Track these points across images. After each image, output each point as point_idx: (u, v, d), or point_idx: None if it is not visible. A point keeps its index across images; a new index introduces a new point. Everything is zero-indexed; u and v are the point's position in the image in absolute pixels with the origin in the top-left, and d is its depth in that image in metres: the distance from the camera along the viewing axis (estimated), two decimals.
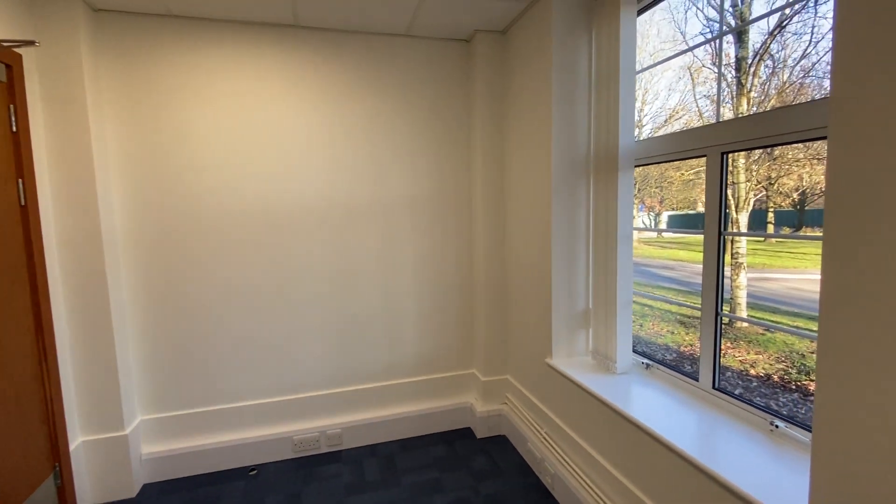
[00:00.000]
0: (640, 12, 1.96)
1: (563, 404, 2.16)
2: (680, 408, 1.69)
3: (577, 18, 2.09)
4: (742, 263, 5.81)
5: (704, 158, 1.67)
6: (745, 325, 5.72)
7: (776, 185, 6.32)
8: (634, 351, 2.09)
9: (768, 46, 5.61)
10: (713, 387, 1.70)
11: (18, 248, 1.83)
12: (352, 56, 2.48)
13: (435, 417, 2.78)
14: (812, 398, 1.05)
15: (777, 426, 1.44)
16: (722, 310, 1.68)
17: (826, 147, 0.98)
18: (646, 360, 2.05)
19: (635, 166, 1.98)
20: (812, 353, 5.19)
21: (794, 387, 4.40)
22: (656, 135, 2.13)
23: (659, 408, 1.70)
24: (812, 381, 4.46)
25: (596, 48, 2.07)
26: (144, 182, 2.27)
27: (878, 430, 0.90)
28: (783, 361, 5.03)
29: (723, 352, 5.37)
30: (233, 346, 2.46)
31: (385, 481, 2.32)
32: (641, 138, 1.95)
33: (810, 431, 1.29)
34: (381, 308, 2.68)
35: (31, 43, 1.62)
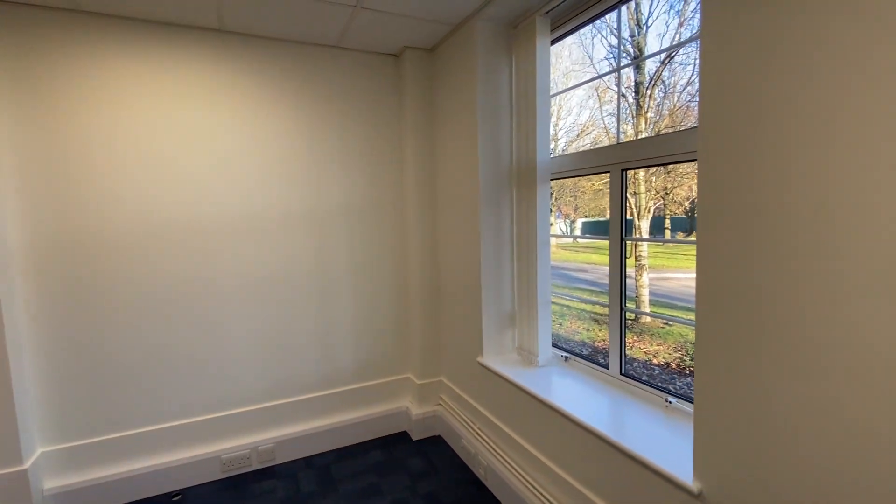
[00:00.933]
0: (553, 42, 2.20)
1: (494, 399, 2.31)
2: (593, 393, 1.91)
3: (498, 44, 2.28)
4: (644, 265, 6.50)
5: (608, 174, 1.92)
6: (649, 319, 6.41)
7: (671, 195, 7.16)
8: (554, 346, 2.31)
9: (660, 74, 6.35)
10: (620, 373, 1.94)
11: None
12: (282, 64, 2.47)
13: (371, 424, 2.81)
14: None
15: (670, 402, 1.70)
16: (626, 305, 1.93)
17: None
18: (565, 353, 2.27)
19: (551, 179, 2.20)
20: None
21: (688, 371, 5.02)
22: (568, 151, 2.37)
23: (575, 394, 1.91)
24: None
25: (515, 72, 2.28)
26: (45, 188, 2.06)
27: (742, 400, 1.14)
28: (679, 350, 5.71)
29: (630, 344, 5.96)
30: (148, 364, 2.30)
31: (322, 492, 2.31)
32: (557, 153, 2.18)
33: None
34: (316, 317, 2.66)
35: None
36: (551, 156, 2.17)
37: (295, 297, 2.60)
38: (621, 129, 2.07)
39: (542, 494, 1.89)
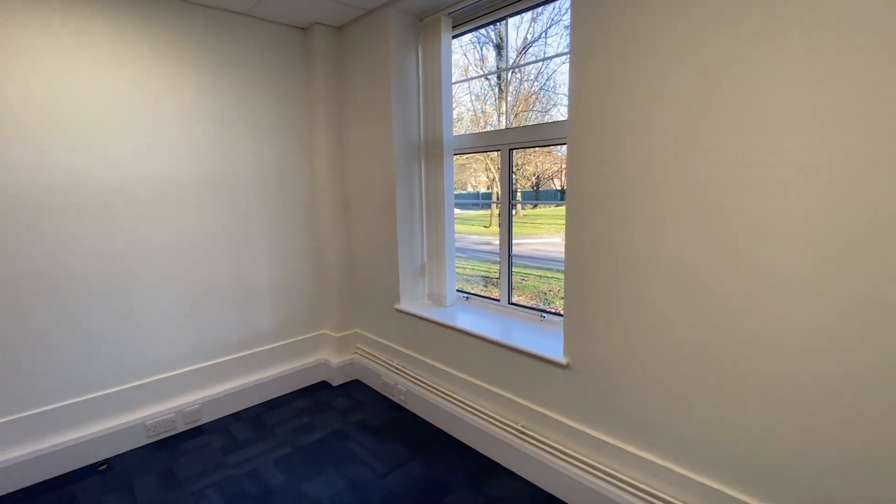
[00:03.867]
0: (454, 37, 2.64)
1: (410, 337, 2.79)
2: (489, 318, 2.52)
3: (407, 33, 2.64)
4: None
5: (499, 152, 2.48)
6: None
7: (521, 170, 8.34)
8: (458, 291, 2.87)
9: (518, 61, 7.30)
10: (509, 302, 2.59)
11: None
12: (190, 28, 2.42)
13: (293, 378, 3.05)
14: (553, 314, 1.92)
15: (543, 316, 2.39)
16: (513, 254, 2.56)
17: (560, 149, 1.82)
18: (466, 295, 2.85)
19: (454, 154, 2.69)
20: (549, 292, 7.32)
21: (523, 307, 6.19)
22: (462, 132, 2.88)
23: (476, 320, 2.50)
24: (550, 307, 6.43)
25: (422, 59, 2.67)
26: None
27: (592, 306, 1.81)
28: (534, 298, 6.95)
29: (496, 296, 6.99)
30: (63, 335, 2.19)
31: (258, 437, 2.53)
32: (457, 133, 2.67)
33: (560, 316, 2.26)
34: (234, 281, 2.76)
35: None
36: (454, 135, 2.65)
37: (214, 261, 2.66)
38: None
39: (455, 399, 2.46)
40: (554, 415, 2.02)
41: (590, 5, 1.66)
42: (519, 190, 8.38)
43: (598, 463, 1.87)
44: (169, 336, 2.53)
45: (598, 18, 1.64)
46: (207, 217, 2.61)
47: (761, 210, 1.35)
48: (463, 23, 2.56)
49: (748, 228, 1.38)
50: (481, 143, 2.57)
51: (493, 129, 2.64)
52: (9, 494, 2.09)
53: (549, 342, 2.14)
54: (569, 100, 1.78)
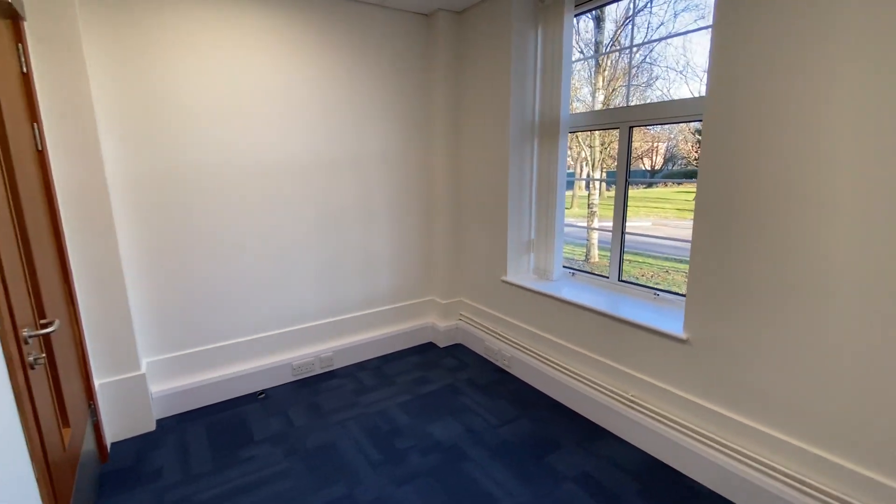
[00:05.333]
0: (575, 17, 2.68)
1: (516, 307, 2.96)
2: (598, 293, 2.61)
3: (527, 15, 2.72)
4: (595, 213, 7.42)
5: (618, 129, 2.51)
6: (597, 259, 7.41)
7: (607, 148, 7.98)
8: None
9: (618, 35, 6.97)
10: (619, 279, 2.65)
11: (41, 195, 1.82)
12: (331, 19, 2.72)
13: (405, 336, 3.38)
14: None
15: (657, 294, 2.43)
16: (625, 232, 2.60)
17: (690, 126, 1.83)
18: (572, 270, 2.95)
19: (568, 132, 2.77)
20: (640, 277, 7.10)
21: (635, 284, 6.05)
22: (580, 111, 2.92)
23: (584, 294, 2.60)
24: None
25: (542, 39, 2.74)
26: (138, 132, 2.27)
27: (714, 284, 1.84)
28: None
29: None
30: (230, 287, 2.66)
31: (382, 384, 2.89)
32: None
33: (677, 295, 2.29)
34: (359, 249, 3.11)
35: None
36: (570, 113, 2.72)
37: (346, 231, 3.02)
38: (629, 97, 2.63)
39: (560, 367, 2.61)
40: (667, 386, 2.10)
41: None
42: (605, 170, 8.10)
43: (715, 434, 1.92)
44: (311, 292, 2.95)
45: None
46: (341, 193, 2.96)
47: None
48: (584, 1, 2.58)
49: None
50: (600, 120, 2.61)
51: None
52: (194, 410, 2.62)
53: (663, 318, 2.20)
54: (709, 75, 1.79)
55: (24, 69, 1.75)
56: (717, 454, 1.90)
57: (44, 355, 1.38)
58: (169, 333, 2.53)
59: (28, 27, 1.83)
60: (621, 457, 2.17)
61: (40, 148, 1.82)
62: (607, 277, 2.71)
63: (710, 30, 1.78)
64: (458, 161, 3.27)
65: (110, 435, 2.29)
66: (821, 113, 1.49)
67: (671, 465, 2.08)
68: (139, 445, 2.29)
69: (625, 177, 2.53)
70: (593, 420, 2.45)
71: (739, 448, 1.83)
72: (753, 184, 1.69)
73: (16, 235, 1.38)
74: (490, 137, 2.96)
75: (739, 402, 1.84)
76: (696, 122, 2.09)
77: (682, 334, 2.01)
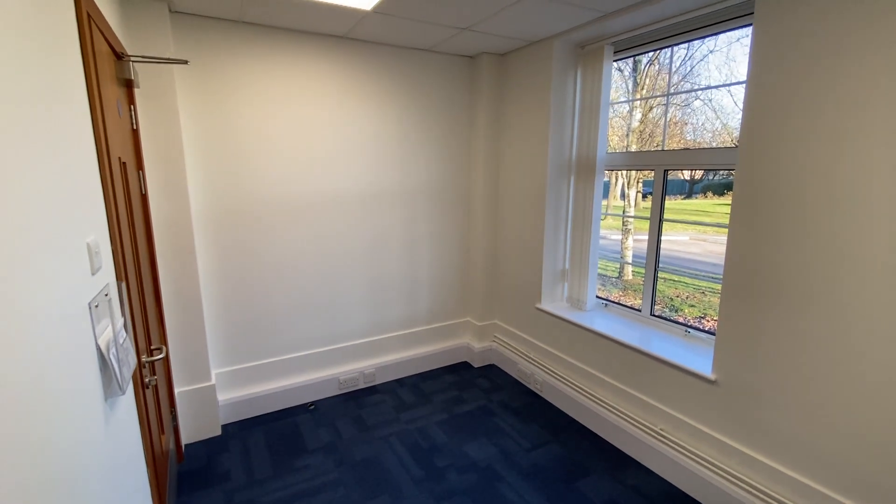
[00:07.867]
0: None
1: (549, 334, 3.11)
2: (630, 325, 2.73)
3: (568, 60, 2.89)
4: (630, 229, 7.42)
5: (653, 172, 2.64)
6: (631, 276, 7.41)
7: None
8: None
9: (657, 56, 6.95)
10: (651, 314, 2.76)
11: (144, 234, 2.13)
12: (388, 64, 2.98)
13: (441, 355, 3.58)
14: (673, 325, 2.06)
15: (688, 331, 2.53)
16: (659, 264, 2.72)
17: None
18: (605, 301, 3.07)
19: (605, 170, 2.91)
20: (675, 298, 7.06)
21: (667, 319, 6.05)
22: (617, 151, 3.05)
23: (616, 326, 2.72)
24: (677, 315, 6.24)
25: (581, 84, 2.90)
26: (218, 171, 2.59)
27: (745, 329, 1.95)
28: (658, 304, 6.77)
29: (617, 298, 6.93)
30: (288, 308, 2.94)
31: (420, 401, 3.09)
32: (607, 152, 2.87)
33: (706, 333, 2.39)
34: (402, 273, 3.34)
35: (183, 62, 1.91)
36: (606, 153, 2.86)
37: (390, 257, 3.26)
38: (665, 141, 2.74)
39: (591, 395, 2.74)
40: (693, 422, 2.21)
41: (771, 36, 1.77)
42: (641, 180, 8.02)
43: (739, 473, 2.02)
44: (358, 313, 3.20)
45: (780, 48, 1.74)
46: (387, 222, 3.20)
47: None
48: (623, 49, 2.73)
49: None
50: (635, 162, 2.75)
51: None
52: (252, 417, 2.90)
53: (692, 356, 2.30)
54: (742, 127, 1.91)
55: (135, 126, 2.07)
56: (740, 490, 1.99)
57: (155, 377, 1.66)
58: (234, 348, 2.83)
59: (138, 91, 2.16)
60: (647, 486, 2.28)
61: (144, 192, 2.14)
62: (639, 311, 2.82)
63: (744, 84, 1.90)
64: (497, 193, 3.45)
65: (185, 438, 2.60)
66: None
67: (695, 497, 2.18)
68: (208, 448, 2.58)
69: (658, 216, 2.65)
70: (621, 448, 2.56)
71: (761, 486, 1.93)
72: (778, 263, 1.80)
73: (137, 272, 1.67)
74: (528, 172, 3.14)
75: (764, 443, 1.93)
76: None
77: (710, 374, 2.11)
